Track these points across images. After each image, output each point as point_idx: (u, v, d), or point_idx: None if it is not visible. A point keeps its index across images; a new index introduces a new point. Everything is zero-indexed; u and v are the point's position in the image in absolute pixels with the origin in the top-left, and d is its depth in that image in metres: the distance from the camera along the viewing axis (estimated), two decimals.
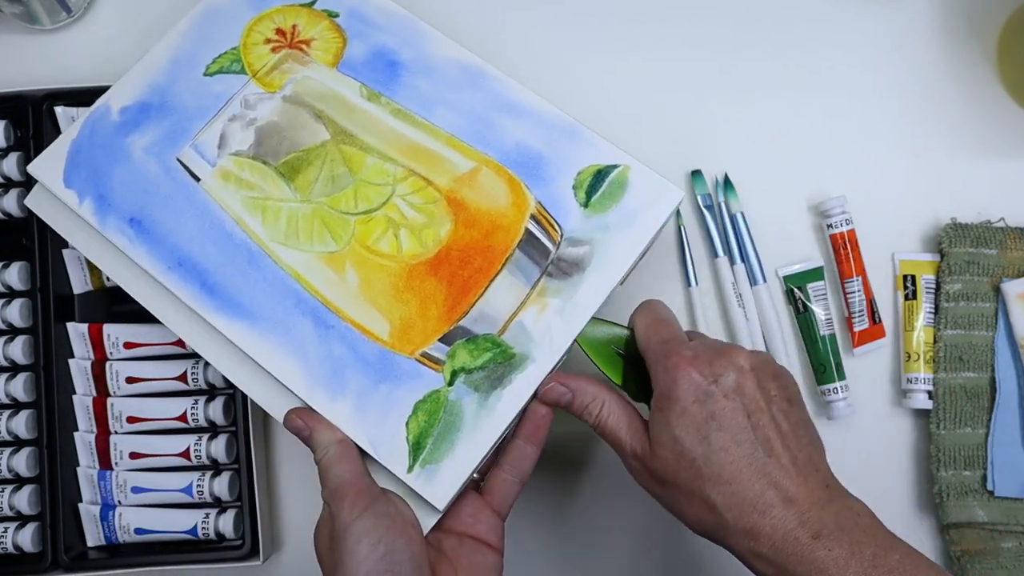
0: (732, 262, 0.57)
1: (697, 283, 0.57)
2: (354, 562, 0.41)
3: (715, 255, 0.57)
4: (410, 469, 0.44)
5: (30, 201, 0.51)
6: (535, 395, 0.46)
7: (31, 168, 0.50)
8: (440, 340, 0.46)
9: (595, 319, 0.47)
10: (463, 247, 0.48)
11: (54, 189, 0.49)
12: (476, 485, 0.47)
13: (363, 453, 0.45)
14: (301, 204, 0.49)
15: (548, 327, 0.46)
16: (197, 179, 0.49)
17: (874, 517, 0.41)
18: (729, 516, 0.40)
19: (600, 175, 0.49)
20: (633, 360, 0.47)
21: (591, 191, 0.49)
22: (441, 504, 0.44)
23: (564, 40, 0.60)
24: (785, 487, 0.40)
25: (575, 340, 0.46)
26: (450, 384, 0.46)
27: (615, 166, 0.49)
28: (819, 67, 0.59)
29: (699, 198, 0.57)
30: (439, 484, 0.44)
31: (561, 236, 0.48)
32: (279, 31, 0.53)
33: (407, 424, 0.45)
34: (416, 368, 0.46)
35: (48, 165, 0.50)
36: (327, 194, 0.49)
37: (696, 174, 0.58)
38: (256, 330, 0.47)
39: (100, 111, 0.51)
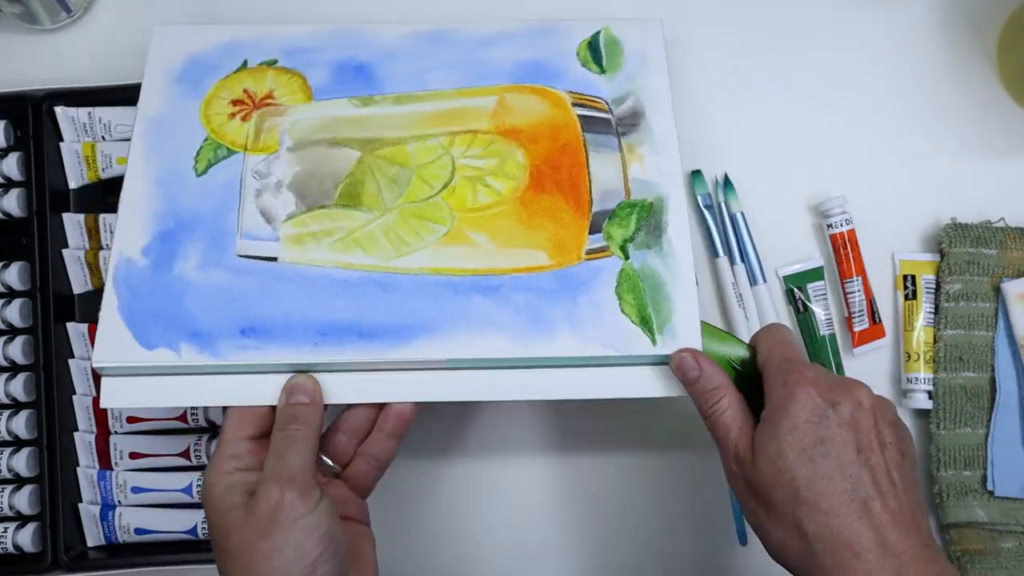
0: (732, 262, 0.57)
1: (698, 283, 0.57)
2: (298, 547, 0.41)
3: (715, 255, 0.57)
4: (654, 342, 0.46)
5: (107, 403, 0.46)
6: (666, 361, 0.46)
7: (97, 364, 0.45)
8: (590, 234, 0.49)
9: (719, 332, 0.47)
10: (544, 159, 0.50)
11: (138, 360, 0.45)
12: (336, 475, 0.47)
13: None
14: (385, 216, 0.48)
15: (656, 168, 0.50)
16: (274, 259, 0.47)
17: None
18: (819, 548, 0.38)
19: (592, 46, 0.53)
20: (748, 379, 0.46)
21: (598, 60, 0.53)
22: (701, 345, 0.46)
23: None
24: (885, 535, 0.38)
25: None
26: (627, 258, 0.48)
27: (598, 32, 0.54)
28: (819, 67, 0.59)
29: (699, 198, 0.57)
30: (684, 333, 0.46)
31: (607, 103, 0.52)
32: (235, 102, 0.51)
33: (623, 312, 0.47)
34: (591, 267, 0.48)
35: (111, 348, 0.45)
36: (400, 195, 0.49)
37: (696, 174, 0.58)
38: (440, 335, 0.46)
39: (122, 267, 0.47)
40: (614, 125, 0.51)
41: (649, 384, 0.47)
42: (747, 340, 0.47)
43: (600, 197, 0.49)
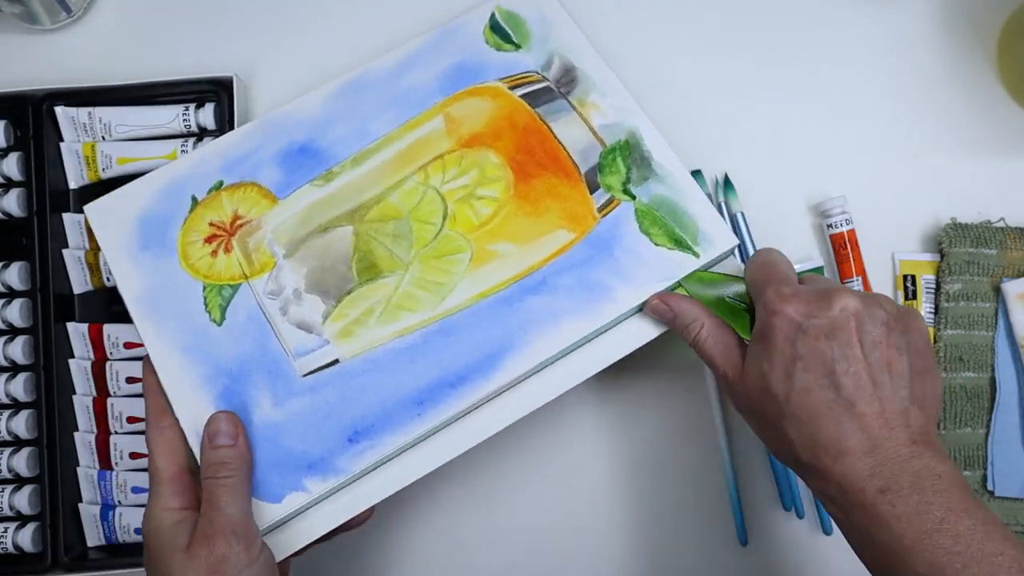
0: None
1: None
2: None
3: None
4: (696, 254, 0.48)
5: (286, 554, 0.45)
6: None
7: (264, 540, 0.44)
8: (592, 193, 0.50)
9: (708, 275, 0.49)
10: (516, 149, 0.51)
11: (278, 516, 0.44)
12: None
13: None
14: (410, 271, 0.48)
15: (613, 108, 0.52)
16: (335, 361, 0.47)
17: (958, 481, 0.39)
18: (803, 454, 0.41)
19: (495, 28, 0.54)
20: (752, 307, 0.47)
21: (507, 39, 0.53)
22: (732, 241, 0.49)
23: None
24: (863, 437, 0.40)
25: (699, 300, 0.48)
26: (633, 198, 0.50)
27: (492, 14, 0.54)
28: (819, 67, 0.59)
29: None
30: (716, 233, 0.49)
31: (538, 73, 0.53)
32: (209, 239, 0.49)
33: (657, 244, 0.49)
34: (609, 220, 0.49)
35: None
36: (410, 245, 0.49)
37: (696, 174, 0.58)
38: (520, 347, 0.46)
39: (194, 436, 0.45)
40: (556, 89, 0.52)
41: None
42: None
43: (581, 158, 0.51)
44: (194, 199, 0.50)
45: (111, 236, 0.50)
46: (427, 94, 0.52)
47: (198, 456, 0.45)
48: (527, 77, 0.52)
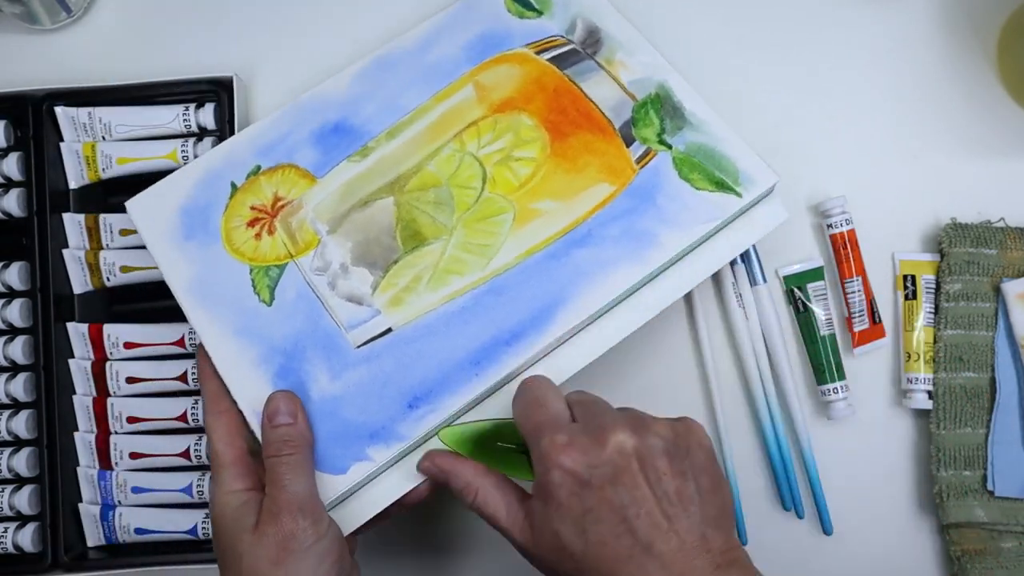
0: (732, 262, 0.57)
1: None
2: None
3: None
4: (739, 194, 0.49)
5: (352, 528, 0.45)
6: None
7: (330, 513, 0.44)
8: (628, 147, 0.51)
9: (476, 423, 0.46)
10: (548, 110, 0.51)
11: (345, 487, 0.44)
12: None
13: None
14: (454, 235, 0.49)
15: (640, 64, 0.53)
16: (388, 330, 0.47)
17: None
18: None
19: None
20: None
21: (529, 6, 0.54)
22: (773, 179, 0.50)
23: None
24: (673, 571, 0.38)
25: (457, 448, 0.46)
26: (668, 147, 0.50)
27: None
28: (819, 67, 0.59)
29: None
30: (755, 172, 0.50)
31: (563, 36, 0.53)
32: (251, 222, 0.50)
33: (698, 189, 0.49)
34: (648, 171, 0.50)
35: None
36: (452, 211, 0.49)
37: None
38: (572, 299, 0.47)
39: (254, 418, 0.45)
40: (582, 51, 0.53)
41: (751, 230, 0.51)
42: None
43: (614, 114, 0.51)
44: (233, 185, 0.51)
45: (155, 230, 0.50)
46: (455, 65, 0.53)
47: (259, 437, 0.45)
48: (552, 41, 0.53)
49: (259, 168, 0.51)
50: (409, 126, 0.51)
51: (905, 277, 0.57)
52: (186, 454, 0.55)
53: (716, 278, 0.57)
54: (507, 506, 0.43)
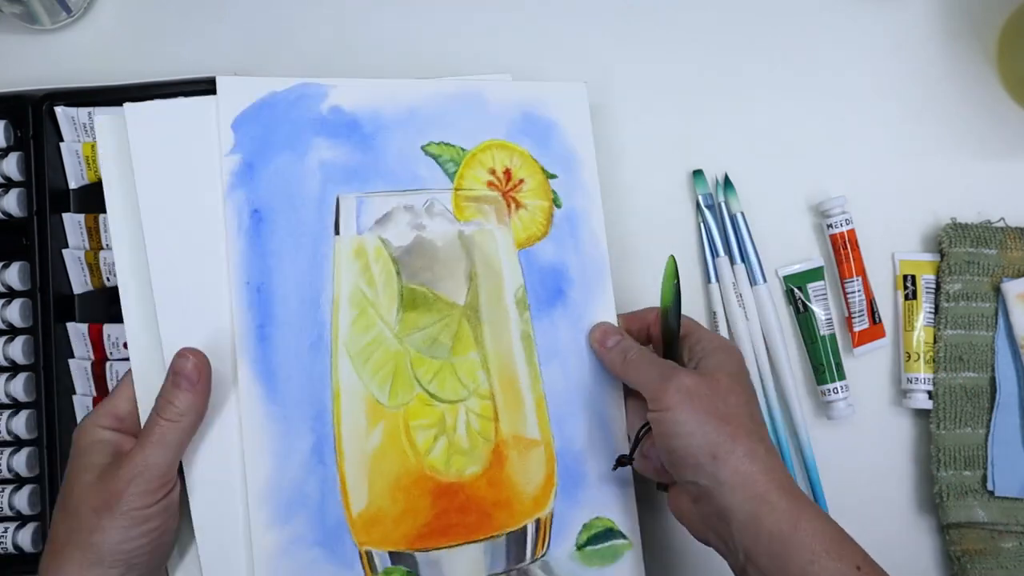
0: (732, 262, 0.57)
1: (707, 281, 0.57)
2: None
3: (715, 255, 0.57)
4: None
5: (100, 120, 0.43)
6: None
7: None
8: (390, 554, 0.45)
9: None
10: (471, 497, 0.46)
11: (211, 121, 0.42)
12: None
13: None
14: (393, 338, 0.46)
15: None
16: (337, 231, 0.45)
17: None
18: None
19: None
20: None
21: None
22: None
23: (570, 38, 0.60)
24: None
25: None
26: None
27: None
28: (819, 67, 0.59)
29: (700, 198, 0.57)
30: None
31: (542, 556, 0.48)
32: (507, 172, 0.48)
33: None
34: (353, 560, 0.44)
35: (231, 98, 0.43)
36: (419, 350, 0.46)
37: (697, 174, 0.58)
38: (274, 407, 0.44)
39: (315, 91, 0.44)
40: (516, 565, 0.47)
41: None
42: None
43: (428, 561, 0.46)
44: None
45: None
46: (564, 430, 0.49)
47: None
48: (542, 544, 0.48)
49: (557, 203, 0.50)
50: (525, 358, 0.49)
51: (905, 277, 0.57)
52: None
53: (717, 278, 0.57)
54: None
